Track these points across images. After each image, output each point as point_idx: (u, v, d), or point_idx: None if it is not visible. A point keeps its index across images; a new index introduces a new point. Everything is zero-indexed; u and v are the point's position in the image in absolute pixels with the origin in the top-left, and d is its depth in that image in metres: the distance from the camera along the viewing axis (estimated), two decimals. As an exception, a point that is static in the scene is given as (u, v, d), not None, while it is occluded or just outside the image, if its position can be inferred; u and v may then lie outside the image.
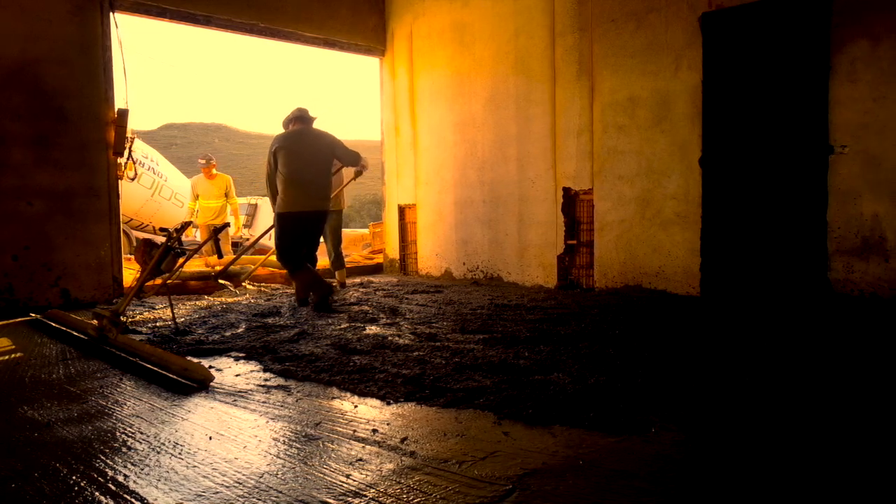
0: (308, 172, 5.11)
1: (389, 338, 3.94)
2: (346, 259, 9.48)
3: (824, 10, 4.64)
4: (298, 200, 5.09)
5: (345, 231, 11.82)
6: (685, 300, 5.25)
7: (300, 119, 5.36)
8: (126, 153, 6.00)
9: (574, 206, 6.33)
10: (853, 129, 4.58)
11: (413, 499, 1.78)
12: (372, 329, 4.29)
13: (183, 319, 4.84)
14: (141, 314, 5.17)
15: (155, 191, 12.29)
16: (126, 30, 13.93)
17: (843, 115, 4.62)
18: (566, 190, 6.33)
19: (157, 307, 5.59)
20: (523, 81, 6.62)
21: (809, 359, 3.24)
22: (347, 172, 6.53)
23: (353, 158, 5.41)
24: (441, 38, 7.45)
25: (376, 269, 8.62)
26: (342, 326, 4.40)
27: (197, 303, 5.74)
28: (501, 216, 6.96)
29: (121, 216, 11.09)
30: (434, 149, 7.65)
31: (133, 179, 7.69)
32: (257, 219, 16.67)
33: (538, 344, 3.66)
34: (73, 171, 5.69)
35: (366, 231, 15.47)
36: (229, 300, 5.87)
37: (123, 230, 11.91)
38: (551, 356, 3.35)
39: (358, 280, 7.54)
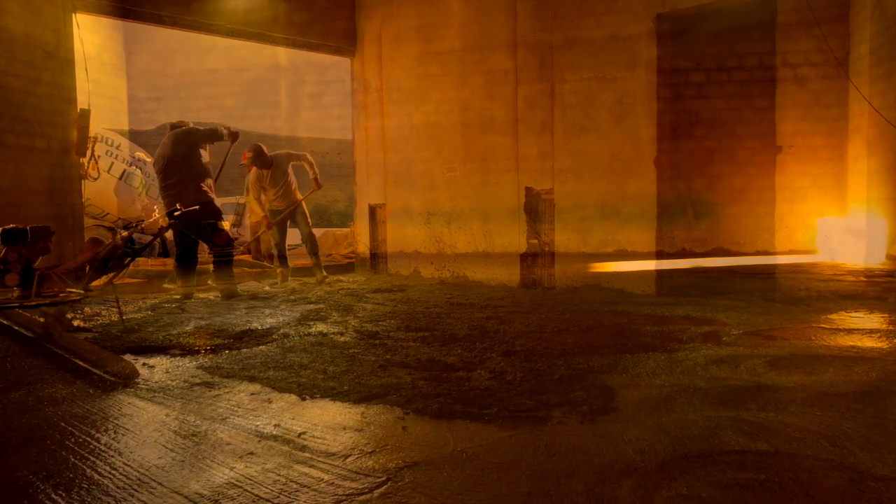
0: (178, 176, 5.80)
1: (331, 336, 3.97)
2: (327, 258, 9.52)
3: (770, 12, 4.69)
4: (183, 200, 5.73)
5: (331, 230, 11.83)
6: (640, 298, 5.28)
7: (172, 128, 6.01)
8: (88, 153, 6.03)
9: (536, 206, 6.37)
10: (799, 128, 4.63)
11: (286, 489, 1.82)
12: (319, 327, 4.32)
13: (140, 317, 4.88)
14: (97, 312, 5.20)
15: (144, 190, 12.38)
16: (123, 31, 14.05)
17: (790, 115, 4.67)
18: (528, 190, 6.36)
19: (114, 306, 5.61)
20: (487, 82, 6.65)
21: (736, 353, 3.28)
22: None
23: (213, 134, 6.02)
24: (409, 39, 7.48)
25: (350, 268, 8.65)
26: (291, 325, 4.43)
27: (156, 301, 5.77)
28: (467, 215, 6.99)
29: (108, 215, 11.07)
30: (402, 149, 7.68)
31: (96, 179, 7.69)
32: (247, 218, 16.59)
33: (475, 342, 3.70)
34: (34, 171, 5.72)
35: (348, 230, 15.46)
36: (191, 299, 5.90)
37: (111, 229, 11.95)
38: (482, 353, 3.39)
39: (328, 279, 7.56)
